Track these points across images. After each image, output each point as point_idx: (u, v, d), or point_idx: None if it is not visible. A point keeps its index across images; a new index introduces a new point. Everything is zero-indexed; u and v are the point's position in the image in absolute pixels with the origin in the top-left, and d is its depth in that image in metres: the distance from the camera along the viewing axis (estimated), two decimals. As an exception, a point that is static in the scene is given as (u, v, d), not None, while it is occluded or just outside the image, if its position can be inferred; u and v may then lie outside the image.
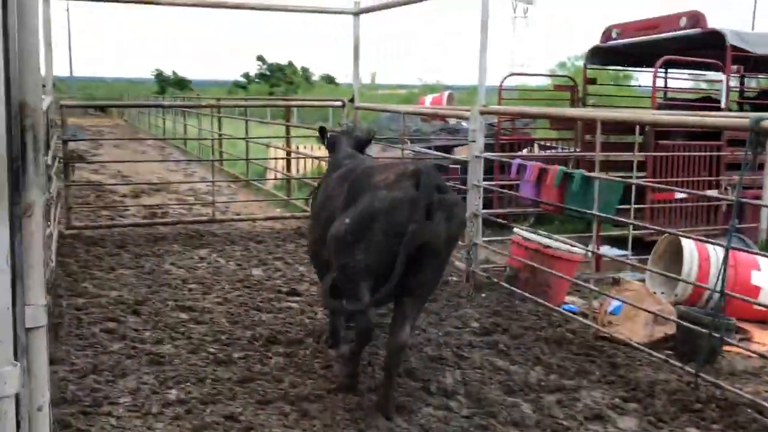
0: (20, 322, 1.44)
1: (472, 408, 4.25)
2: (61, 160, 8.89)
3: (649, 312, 5.45)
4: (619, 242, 9.27)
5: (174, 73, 70.80)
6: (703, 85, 15.31)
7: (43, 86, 7.67)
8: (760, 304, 5.55)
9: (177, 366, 4.72)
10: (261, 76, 64.44)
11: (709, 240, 5.39)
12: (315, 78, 62.89)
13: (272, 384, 4.46)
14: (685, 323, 5.05)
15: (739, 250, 5.01)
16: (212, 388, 4.37)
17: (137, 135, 29.22)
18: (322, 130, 5.66)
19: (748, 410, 4.26)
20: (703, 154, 9.17)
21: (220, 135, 16.36)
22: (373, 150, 13.16)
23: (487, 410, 4.20)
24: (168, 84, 66.45)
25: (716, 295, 6.04)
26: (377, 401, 4.16)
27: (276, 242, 8.66)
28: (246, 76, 66.56)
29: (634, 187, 7.14)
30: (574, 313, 6.11)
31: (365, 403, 4.23)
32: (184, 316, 5.83)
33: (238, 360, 4.86)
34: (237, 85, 64.40)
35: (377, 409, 4.10)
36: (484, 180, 7.06)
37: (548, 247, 6.40)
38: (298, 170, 14.69)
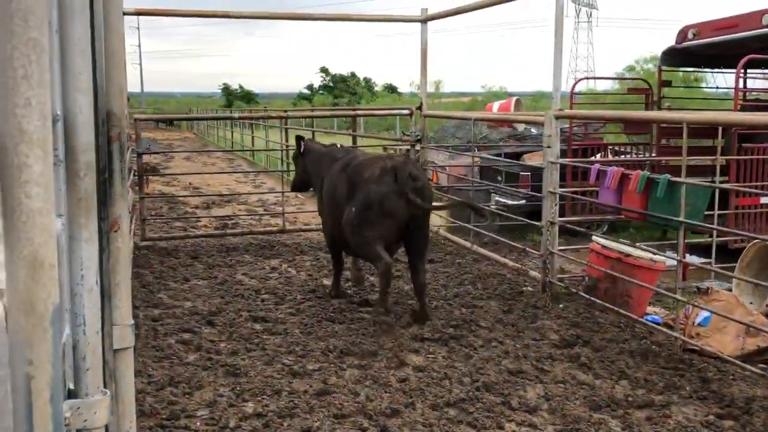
0: (108, 344, 1.37)
1: (557, 425, 4.08)
2: (136, 173, 9.05)
3: (740, 323, 5.16)
4: (699, 250, 8.91)
5: (240, 86, 72.24)
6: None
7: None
8: None
9: (252, 378, 4.68)
10: (325, 87, 65.13)
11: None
12: (377, 88, 63.19)
13: (349, 397, 4.38)
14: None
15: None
16: (288, 401, 4.31)
17: (207, 147, 29.77)
18: (299, 138, 7.26)
19: None
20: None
21: (287, 146, 16.47)
22: (440, 158, 13.07)
23: (573, 427, 4.02)
24: (235, 97, 67.84)
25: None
26: (418, 315, 5.87)
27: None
28: (310, 87, 67.42)
29: (717, 192, 6.83)
30: (658, 325, 5.85)
31: (444, 417, 4.10)
32: (257, 326, 5.81)
33: (313, 372, 4.80)
34: (301, 96, 65.27)
35: (418, 320, 5.82)
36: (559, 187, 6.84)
37: (629, 255, 6.15)
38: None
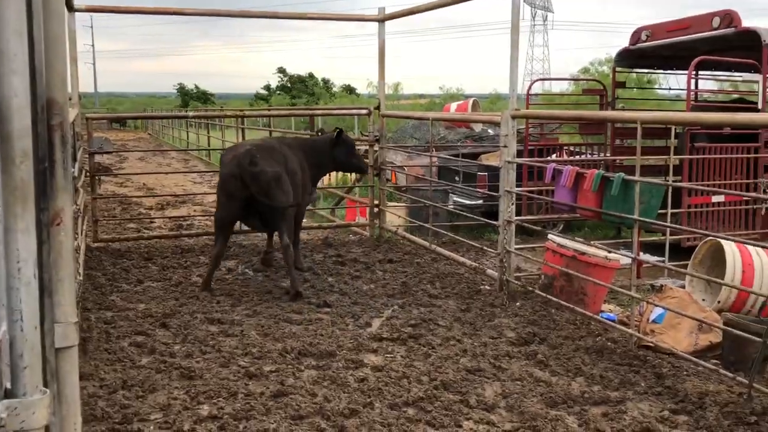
0: (49, 342, 1.31)
1: (515, 422, 4.08)
2: (88, 173, 8.85)
3: (693, 319, 5.24)
4: (653, 248, 9.05)
5: (196, 86, 71.37)
6: (736, 88, 15.01)
7: (69, 99, 7.63)
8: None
9: (208, 380, 4.60)
10: (282, 87, 64.70)
11: (755, 243, 5.17)
12: (336, 89, 63.03)
13: (306, 398, 4.32)
14: (735, 331, 4.84)
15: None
16: (245, 403, 4.24)
17: (161, 148, 29.34)
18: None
19: (809, 423, 4.05)
20: (740, 156, 8.92)
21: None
22: (399, 158, 13.06)
23: (531, 424, 4.02)
24: (190, 97, 66.99)
25: (763, 301, 5.83)
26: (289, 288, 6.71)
27: (304, 253, 8.52)
28: (267, 88, 66.90)
29: (670, 191, 6.93)
30: (614, 322, 5.91)
31: (402, 416, 4.08)
32: (213, 328, 5.72)
33: (269, 373, 4.73)
34: (259, 97, 64.75)
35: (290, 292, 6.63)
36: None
37: (584, 253, 6.21)
38: (322, 180, 14.55)
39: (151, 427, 3.94)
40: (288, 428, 3.91)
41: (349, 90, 62.43)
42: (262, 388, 4.47)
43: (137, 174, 17.57)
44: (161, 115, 29.76)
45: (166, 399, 4.30)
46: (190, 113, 21.13)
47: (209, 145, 22.83)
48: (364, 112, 9.98)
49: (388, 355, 5.13)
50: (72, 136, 6.72)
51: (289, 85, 64.13)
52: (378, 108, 9.55)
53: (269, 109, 25.32)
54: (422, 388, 4.47)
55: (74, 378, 1.44)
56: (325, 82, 64.61)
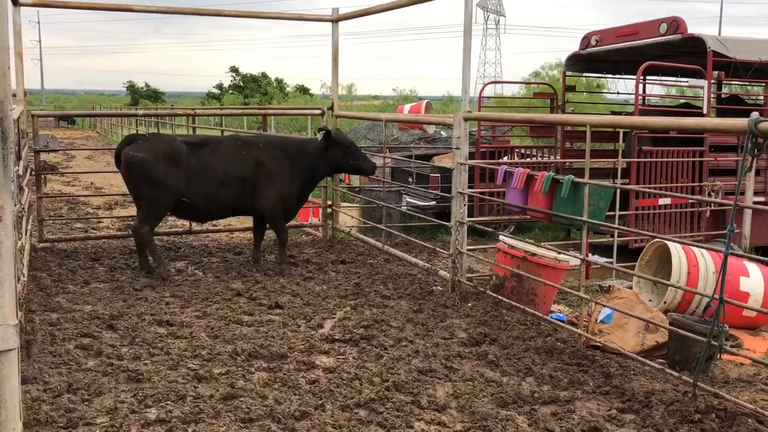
0: (-13, 344, 1.26)
1: (466, 422, 4.10)
2: (33, 172, 8.63)
3: (640, 319, 5.35)
4: (601, 249, 9.21)
5: (146, 84, 70.21)
6: (682, 93, 15.37)
7: (14, 95, 7.43)
8: (756, 310, 5.47)
9: (156, 383, 4.51)
10: (235, 87, 64.02)
11: (701, 245, 5.30)
12: (289, 89, 62.65)
13: (256, 400, 4.28)
14: (680, 331, 4.94)
15: (736, 255, 4.91)
16: (194, 406, 4.17)
17: (110, 146, 28.75)
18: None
19: (749, 420, 4.15)
20: (686, 159, 9.13)
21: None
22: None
23: (481, 424, 4.04)
24: (140, 96, 65.85)
25: (707, 302, 5.97)
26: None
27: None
28: (219, 87, 66.12)
29: (619, 194, 7.06)
30: (563, 322, 5.99)
31: (353, 418, 4.07)
32: (162, 330, 5.62)
33: (219, 376, 4.66)
34: (211, 96, 63.99)
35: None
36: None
37: (535, 254, 6.28)
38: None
39: (97, 431, 3.86)
40: (237, 431, 3.86)
41: (302, 90, 62.11)
42: (211, 391, 4.41)
43: (85, 173, 17.22)
44: (110, 113, 29.19)
45: (113, 402, 4.21)
46: (140, 111, 20.72)
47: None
48: (317, 112, 9.93)
49: (340, 357, 5.11)
50: (16, 134, 6.54)
51: (241, 84, 63.47)
52: (331, 108, 9.52)
53: (221, 108, 25.03)
54: (374, 389, 4.46)
55: (14, 382, 1.40)
56: (279, 81, 64.15)
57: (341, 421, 4.02)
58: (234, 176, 7.37)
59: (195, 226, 9.78)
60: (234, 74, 65.55)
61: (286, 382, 4.57)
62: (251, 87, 61.64)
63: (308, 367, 4.87)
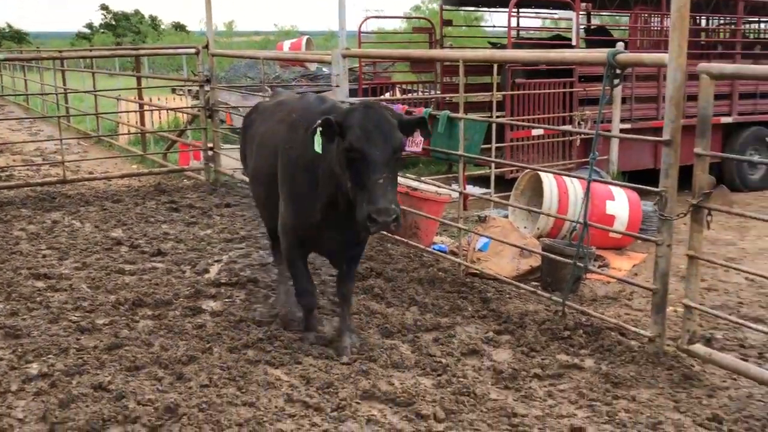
0: None
1: (353, 354, 4.24)
2: None
3: (515, 246, 5.62)
4: (481, 181, 9.52)
5: (8, 25, 65.43)
6: (558, 24, 15.82)
7: None
8: (619, 232, 5.85)
9: (36, 338, 4.41)
10: (106, 26, 60.67)
11: (569, 174, 5.59)
12: (164, 26, 60.00)
13: (142, 349, 4.26)
14: (550, 255, 5.25)
15: (599, 182, 5.22)
16: (77, 358, 4.11)
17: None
18: None
19: (612, 333, 4.50)
20: (556, 91, 9.49)
21: (65, 90, 15.30)
22: (233, 98, 12.79)
23: (368, 355, 4.20)
24: (2, 38, 61.40)
25: (573, 226, 6.33)
26: None
27: (135, 200, 8.25)
28: (89, 26, 62.50)
29: (494, 127, 7.29)
30: (444, 253, 6.22)
31: (242, 359, 4.13)
32: (40, 284, 5.45)
33: (103, 327, 4.60)
34: (81, 36, 60.43)
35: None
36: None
37: (416, 189, 6.44)
38: (153, 123, 14.01)
39: (-25, 392, 3.75)
40: (124, 380, 3.84)
41: (179, 27, 59.65)
42: (95, 342, 4.35)
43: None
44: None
45: (-10, 361, 4.09)
46: (1, 55, 19.40)
47: (27, 89, 21.18)
48: (192, 51, 9.61)
49: (227, 300, 5.14)
50: None
51: (113, 22, 60.23)
52: (207, 47, 9.25)
53: (91, 50, 23.70)
54: (262, 330, 4.53)
55: None
56: (153, 19, 61.29)
57: (229, 362, 4.08)
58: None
59: (70, 175, 9.41)
60: (105, 12, 62.07)
61: (172, 329, 4.56)
62: (123, 26, 58.62)
63: (194, 313, 4.87)
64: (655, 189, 4.11)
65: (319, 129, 3.77)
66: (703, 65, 3.84)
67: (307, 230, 4.25)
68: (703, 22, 13.62)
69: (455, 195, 6.62)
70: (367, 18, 12.49)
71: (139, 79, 12.42)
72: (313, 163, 4.03)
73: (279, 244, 4.90)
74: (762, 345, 4.46)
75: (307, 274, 4.53)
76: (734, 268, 4.95)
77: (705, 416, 3.53)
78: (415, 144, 3.81)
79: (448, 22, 12.38)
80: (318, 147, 3.81)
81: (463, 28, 16.70)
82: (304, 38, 17.54)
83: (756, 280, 5.71)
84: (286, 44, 17.35)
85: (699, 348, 4.09)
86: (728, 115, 10.84)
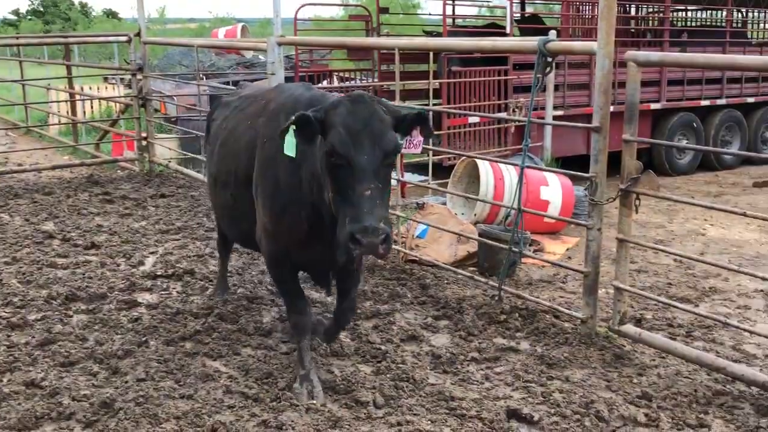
0: None
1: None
2: None
3: (452, 233, 5.69)
4: (419, 168, 9.60)
5: (-73, 10, 62.68)
6: (489, 13, 15.97)
7: None
8: (552, 217, 5.98)
9: (-37, 337, 4.27)
10: (33, 12, 58.68)
11: (505, 161, 5.68)
12: (95, 13, 58.36)
13: (76, 344, 4.18)
14: (486, 240, 5.33)
15: (532, 168, 5.32)
16: (8, 355, 4.01)
17: None
18: None
19: (547, 316, 4.61)
20: (492, 78, 9.60)
21: (-10, 78, 14.76)
22: (167, 87, 12.56)
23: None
24: None
25: (508, 212, 6.43)
26: None
27: (67, 192, 8.04)
28: (16, 12, 60.33)
29: (431, 114, 7.34)
30: (383, 240, 6.23)
31: (179, 351, 4.09)
32: (-34, 281, 5.27)
33: (35, 322, 4.49)
34: (6, 23, 58.28)
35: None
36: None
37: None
38: (84, 113, 13.65)
39: None
40: (57, 375, 3.77)
41: (110, 14, 58.09)
42: (26, 338, 4.24)
43: None
44: None
45: None
46: None
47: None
48: (123, 39, 9.38)
49: (164, 293, 5.06)
50: None
51: (41, 9, 58.27)
52: (138, 34, 9.04)
53: (18, 37, 22.90)
54: (199, 322, 4.49)
55: None
56: (83, 6, 59.53)
57: (166, 355, 4.03)
58: None
59: (-4, 167, 9.12)
60: (31, -2, 59.99)
61: (107, 323, 4.48)
62: (52, 12, 56.77)
63: (130, 306, 4.79)
64: (586, 175, 4.21)
65: (292, 127, 3.13)
66: (630, 53, 3.95)
67: (292, 239, 3.61)
68: (633, 11, 13.95)
69: (393, 183, 6.66)
70: (304, 5, 12.38)
71: (69, 67, 12.06)
72: (299, 159, 3.36)
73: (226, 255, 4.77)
74: (689, 324, 4.63)
75: (299, 290, 3.88)
76: (663, 250, 5.13)
77: (635, 394, 3.66)
78: (414, 145, 3.26)
79: (384, 10, 12.39)
80: (290, 150, 3.19)
81: (400, 15, 16.74)
82: (240, 25, 17.32)
83: (684, 261, 5.91)
84: (222, 32, 17.09)
85: (629, 328, 4.23)
86: (657, 101, 11.15)
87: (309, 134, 3.15)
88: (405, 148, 3.37)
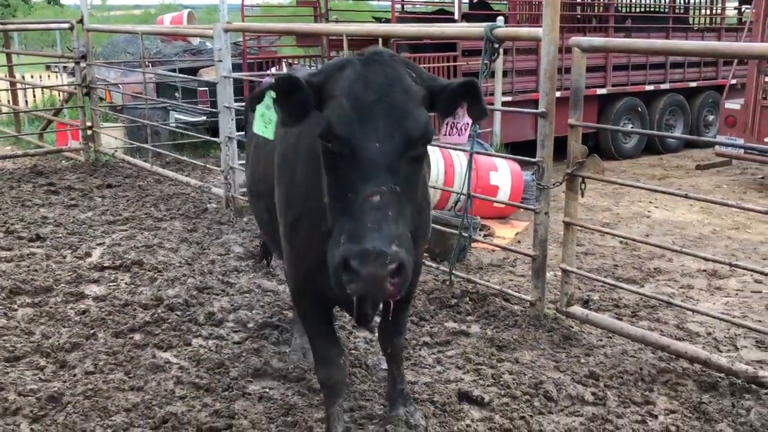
0: None
1: (242, 332, 4.23)
2: None
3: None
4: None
5: None
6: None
7: None
8: (502, 202, 6.04)
9: None
10: (-30, -3, 56.72)
11: (454, 146, 5.71)
12: (36, -1, 56.65)
13: (22, 338, 4.10)
14: (437, 226, 5.36)
15: (481, 154, 5.36)
16: (-51, 352, 3.91)
17: None
18: None
19: (497, 300, 4.68)
20: (441, 65, 9.63)
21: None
22: (112, 75, 12.29)
23: (258, 333, 4.20)
24: None
25: (457, 198, 6.50)
26: None
27: (10, 184, 7.83)
28: (-49, -2, 58.26)
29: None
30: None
31: (128, 343, 4.04)
32: None
33: (-23, 318, 4.38)
34: (-60, 8, 56.30)
35: None
36: (234, 101, 6.84)
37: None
38: (27, 102, 13.28)
39: None
40: (2, 371, 3.69)
41: (52, 1, 56.52)
42: (-31, 335, 4.14)
43: None
44: None
45: None
46: None
47: None
48: (66, 26, 9.15)
49: (112, 284, 4.99)
50: None
51: (-23, -6, 56.37)
52: (81, 21, 8.83)
53: (-46, 23, 22.15)
54: (149, 313, 4.44)
55: None
56: (23, -9, 57.72)
57: (115, 347, 3.98)
58: None
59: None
60: (-34, -17, 57.99)
61: (53, 316, 4.40)
62: (-11, -2, 54.99)
63: (77, 298, 4.71)
64: (533, 159, 4.27)
65: (269, 94, 2.23)
66: (574, 39, 4.01)
67: (311, 259, 2.65)
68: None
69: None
70: (251, -9, 12.24)
71: (9, 55, 11.69)
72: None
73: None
74: (635, 304, 4.74)
75: (328, 333, 3.00)
76: (608, 233, 5.24)
77: (583, 374, 3.74)
78: (458, 130, 2.33)
79: (333, -4, 12.31)
80: (262, 128, 2.33)
81: (349, 1, 16.69)
82: (186, 12, 17.00)
83: (629, 243, 6.04)
84: (167, 18, 16.75)
85: (577, 310, 4.31)
86: (603, 86, 11.32)
87: (297, 106, 2.21)
88: (445, 134, 2.46)
